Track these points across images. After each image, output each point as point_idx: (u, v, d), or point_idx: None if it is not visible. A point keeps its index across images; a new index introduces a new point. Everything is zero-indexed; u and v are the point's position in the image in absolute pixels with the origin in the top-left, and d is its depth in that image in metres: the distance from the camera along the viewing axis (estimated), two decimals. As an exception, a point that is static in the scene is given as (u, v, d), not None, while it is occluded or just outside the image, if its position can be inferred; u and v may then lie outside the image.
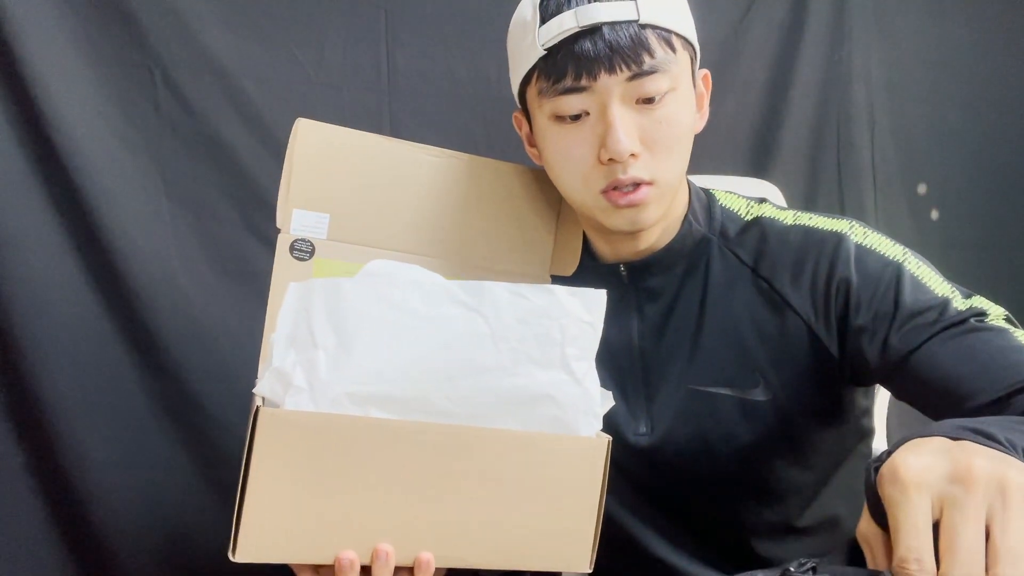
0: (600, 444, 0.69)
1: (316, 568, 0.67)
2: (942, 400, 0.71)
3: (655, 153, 0.75)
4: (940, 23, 1.46)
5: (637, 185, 0.75)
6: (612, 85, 0.73)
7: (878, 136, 1.45)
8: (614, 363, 0.84)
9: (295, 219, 0.80)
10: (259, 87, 1.22)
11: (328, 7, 1.24)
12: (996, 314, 0.73)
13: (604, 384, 0.81)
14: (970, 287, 0.76)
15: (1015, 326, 0.73)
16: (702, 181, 0.94)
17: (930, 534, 0.45)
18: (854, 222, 0.81)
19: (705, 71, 0.83)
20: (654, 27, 0.73)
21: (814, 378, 0.79)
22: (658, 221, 0.79)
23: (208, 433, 1.21)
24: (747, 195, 0.88)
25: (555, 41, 0.73)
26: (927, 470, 0.46)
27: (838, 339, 0.78)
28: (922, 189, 1.48)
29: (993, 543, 0.44)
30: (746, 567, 0.81)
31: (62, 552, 1.18)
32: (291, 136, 0.80)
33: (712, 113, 1.37)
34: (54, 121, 1.13)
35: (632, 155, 0.74)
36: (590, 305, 0.69)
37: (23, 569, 1.16)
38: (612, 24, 0.72)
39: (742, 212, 0.85)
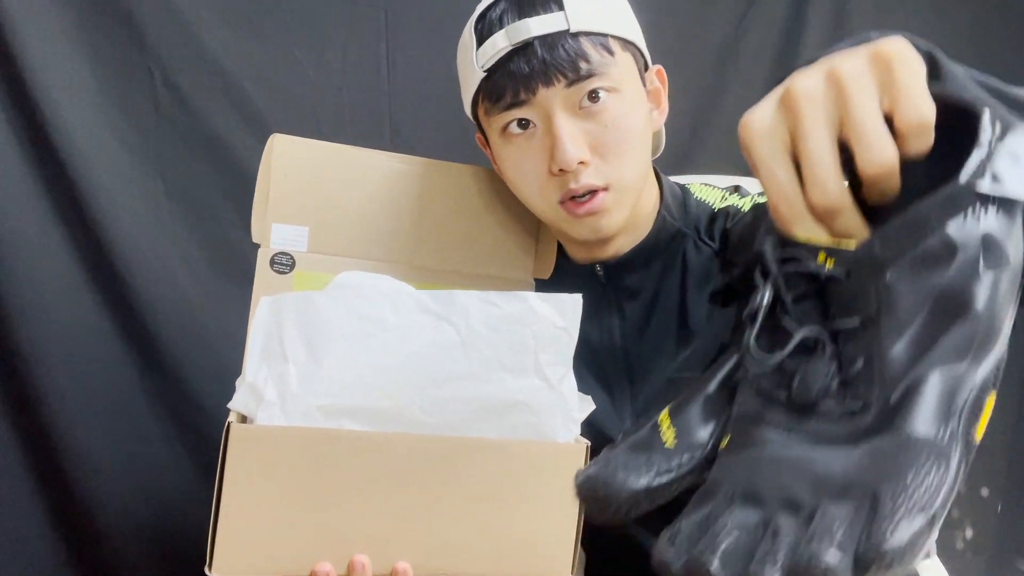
0: (578, 450, 0.68)
1: None
2: None
3: (606, 158, 0.75)
4: (940, 23, 1.46)
5: (593, 192, 0.75)
6: (552, 96, 0.73)
7: (878, 136, 1.45)
8: (597, 363, 0.84)
9: (274, 233, 0.80)
10: (259, 87, 1.22)
11: (328, 7, 1.24)
12: None
13: (589, 384, 0.83)
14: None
15: None
16: (701, 181, 0.94)
17: (790, 169, 0.41)
18: None
19: (658, 67, 0.82)
20: (587, 33, 0.73)
21: None
22: (623, 226, 0.79)
23: (208, 433, 1.21)
24: (722, 185, 0.89)
25: (492, 62, 0.74)
26: (762, 115, 0.42)
27: None
28: (922, 189, 1.48)
29: (846, 138, 0.40)
30: None
31: (61, 552, 1.18)
32: (265, 152, 0.81)
33: (712, 113, 1.39)
34: (54, 121, 1.13)
35: (582, 163, 0.74)
36: (564, 310, 0.68)
37: (22, 568, 1.16)
38: (543, 37, 0.72)
39: (715, 203, 0.85)
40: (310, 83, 1.24)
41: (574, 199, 0.76)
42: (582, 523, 0.69)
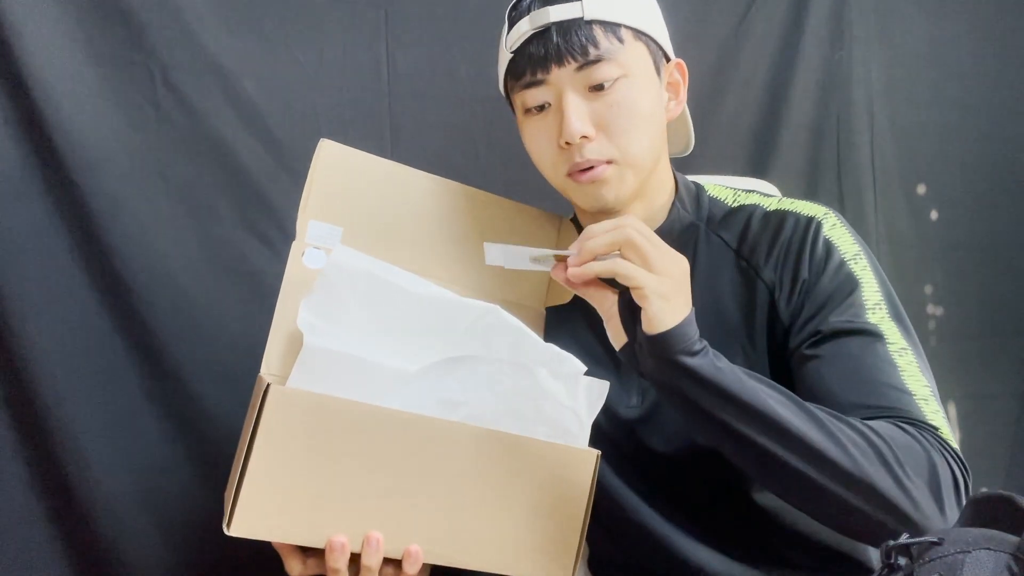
0: (589, 457, 0.71)
1: (303, 553, 0.67)
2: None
3: (610, 135, 0.83)
4: (940, 23, 1.46)
5: (598, 163, 0.83)
6: (563, 76, 0.82)
7: (878, 136, 1.45)
8: (610, 343, 0.88)
9: (310, 229, 0.85)
10: (259, 87, 1.22)
11: (328, 7, 1.24)
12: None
13: (600, 361, 0.87)
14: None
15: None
16: (715, 181, 0.99)
17: None
18: (828, 211, 0.88)
19: (678, 60, 0.90)
20: (600, 22, 0.82)
21: (773, 345, 0.84)
22: (625, 200, 0.87)
23: (208, 433, 1.20)
24: (735, 186, 0.96)
25: (517, 44, 0.84)
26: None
27: (790, 311, 0.83)
28: (922, 189, 1.48)
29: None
30: (739, 538, 0.85)
31: (60, 552, 1.17)
32: (315, 154, 0.86)
33: (712, 113, 1.39)
34: (54, 121, 1.12)
35: (585, 137, 0.82)
36: (575, 392, 0.72)
37: (21, 569, 1.15)
38: (559, 24, 0.81)
39: (729, 200, 0.93)
40: (310, 83, 1.24)
41: (580, 170, 0.84)
42: (586, 528, 0.70)
